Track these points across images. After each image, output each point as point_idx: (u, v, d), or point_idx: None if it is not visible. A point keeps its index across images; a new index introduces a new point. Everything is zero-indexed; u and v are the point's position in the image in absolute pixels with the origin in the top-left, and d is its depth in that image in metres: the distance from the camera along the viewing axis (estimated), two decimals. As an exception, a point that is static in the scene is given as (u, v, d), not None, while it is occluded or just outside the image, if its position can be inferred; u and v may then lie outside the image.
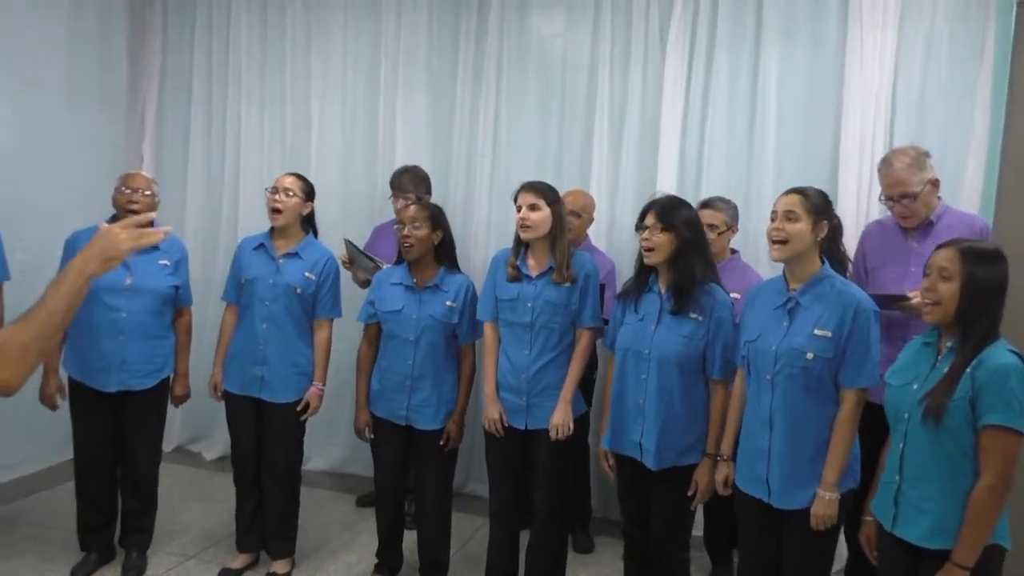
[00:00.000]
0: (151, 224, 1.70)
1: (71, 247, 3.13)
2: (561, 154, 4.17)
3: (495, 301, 2.99)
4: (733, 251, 3.46)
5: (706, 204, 3.36)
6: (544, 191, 2.88)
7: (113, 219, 3.17)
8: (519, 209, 2.87)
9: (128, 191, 3.13)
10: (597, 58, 4.08)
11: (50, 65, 4.25)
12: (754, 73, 3.85)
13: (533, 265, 2.93)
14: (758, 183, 3.81)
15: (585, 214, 3.66)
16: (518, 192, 2.91)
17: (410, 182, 3.86)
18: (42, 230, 3.67)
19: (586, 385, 3.22)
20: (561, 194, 3.53)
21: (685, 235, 2.61)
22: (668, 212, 2.62)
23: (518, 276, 2.93)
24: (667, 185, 3.89)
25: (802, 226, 2.37)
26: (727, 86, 3.89)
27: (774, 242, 2.41)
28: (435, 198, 4.11)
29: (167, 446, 4.68)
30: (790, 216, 2.37)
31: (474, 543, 3.62)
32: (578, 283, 2.89)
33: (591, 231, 3.84)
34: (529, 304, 2.90)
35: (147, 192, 3.17)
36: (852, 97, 3.66)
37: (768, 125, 3.81)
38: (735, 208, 3.45)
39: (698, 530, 3.33)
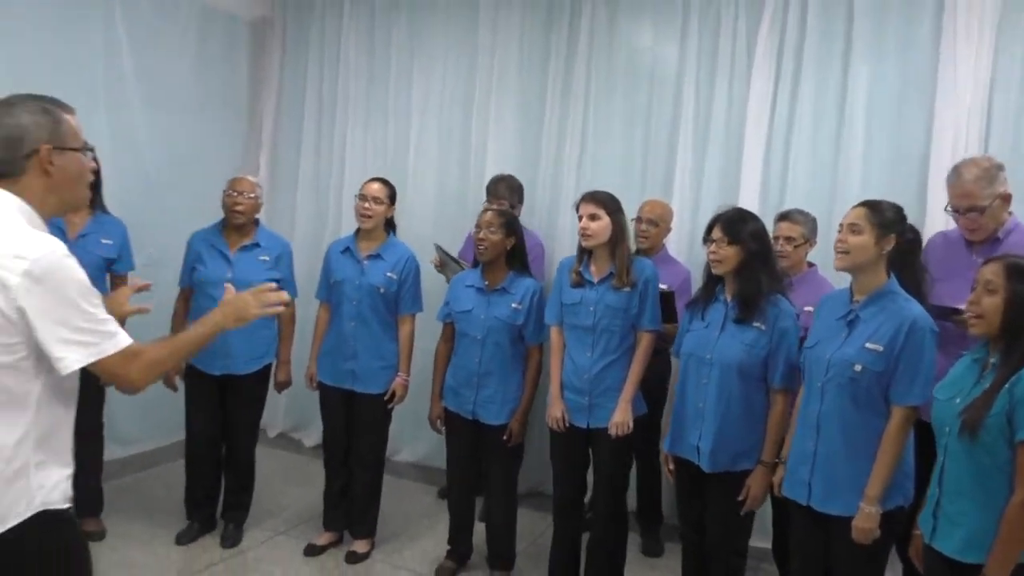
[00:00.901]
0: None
1: (191, 246, 3.51)
2: (645, 166, 4.29)
3: (560, 306, 3.14)
4: (810, 264, 3.46)
5: (784, 216, 3.39)
6: (604, 201, 3.02)
7: (222, 222, 3.53)
8: (580, 218, 3.02)
9: (234, 194, 3.48)
10: (683, 73, 4.17)
11: (181, 82, 4.74)
12: (842, 88, 3.86)
13: (595, 271, 3.07)
14: (843, 198, 3.77)
15: (663, 223, 3.75)
16: (579, 202, 3.06)
17: (505, 190, 4.06)
18: (170, 229, 4.05)
19: (652, 390, 3.31)
20: (640, 204, 3.68)
21: (751, 247, 2.68)
22: (734, 225, 2.71)
23: (581, 282, 3.08)
24: (750, 198, 3.95)
25: (865, 239, 2.41)
26: (814, 100, 3.91)
27: (837, 252, 2.46)
28: (523, 209, 4.32)
29: (271, 432, 5.13)
30: (854, 228, 2.42)
31: (543, 539, 3.76)
32: (637, 288, 3.01)
33: (671, 240, 3.94)
34: (591, 308, 3.03)
35: (251, 195, 3.51)
36: (945, 112, 3.61)
37: (855, 140, 3.80)
38: (814, 221, 3.45)
39: (766, 541, 3.37)
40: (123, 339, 1.66)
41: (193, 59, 4.80)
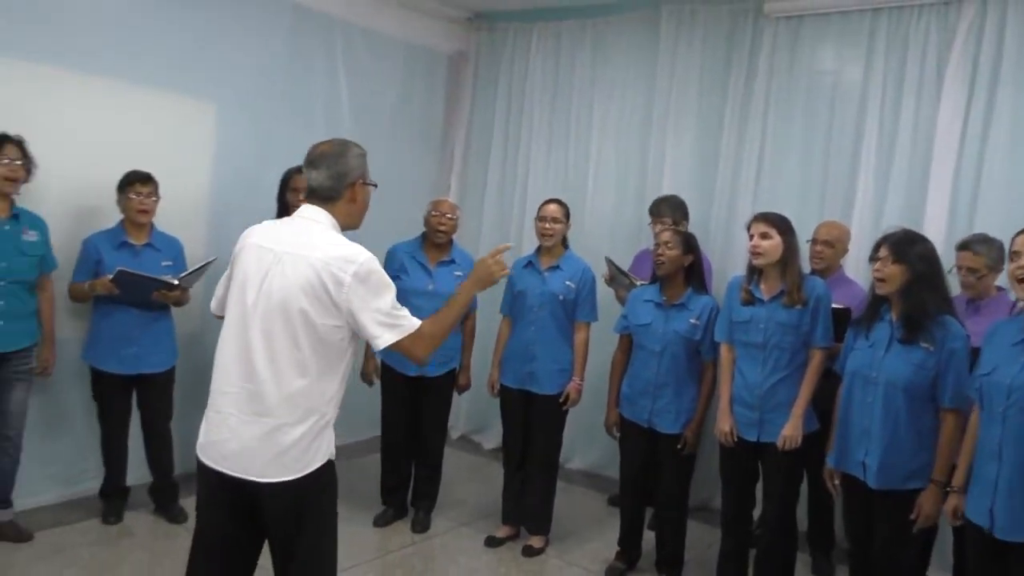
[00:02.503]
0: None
1: (394, 256, 3.94)
2: (824, 188, 4.30)
3: (730, 323, 3.26)
4: (999, 289, 3.37)
5: (964, 246, 3.32)
6: (775, 221, 3.12)
7: (423, 237, 3.92)
8: (751, 237, 3.13)
9: (437, 215, 3.86)
10: (867, 93, 4.17)
11: (387, 110, 5.29)
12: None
13: (765, 289, 3.17)
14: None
15: (839, 245, 3.77)
16: (751, 222, 3.17)
17: (668, 209, 4.22)
18: (374, 243, 4.43)
19: (825, 408, 3.33)
20: (816, 225, 3.73)
21: (918, 268, 2.70)
22: (902, 245, 2.73)
23: (751, 300, 3.19)
24: (936, 221, 3.90)
25: None
26: (1011, 123, 3.80)
27: (1017, 280, 2.45)
28: (697, 228, 4.45)
29: (454, 434, 5.52)
30: None
31: (711, 552, 3.83)
32: (809, 306, 3.08)
33: (849, 262, 3.93)
34: (761, 326, 3.14)
35: (450, 216, 3.88)
36: None
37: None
38: (1000, 248, 3.33)
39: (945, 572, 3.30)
40: (416, 323, 2.12)
41: (398, 90, 5.35)
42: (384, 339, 2.06)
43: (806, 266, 3.64)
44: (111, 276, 3.44)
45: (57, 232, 3.67)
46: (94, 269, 3.59)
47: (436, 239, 3.87)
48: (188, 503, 3.05)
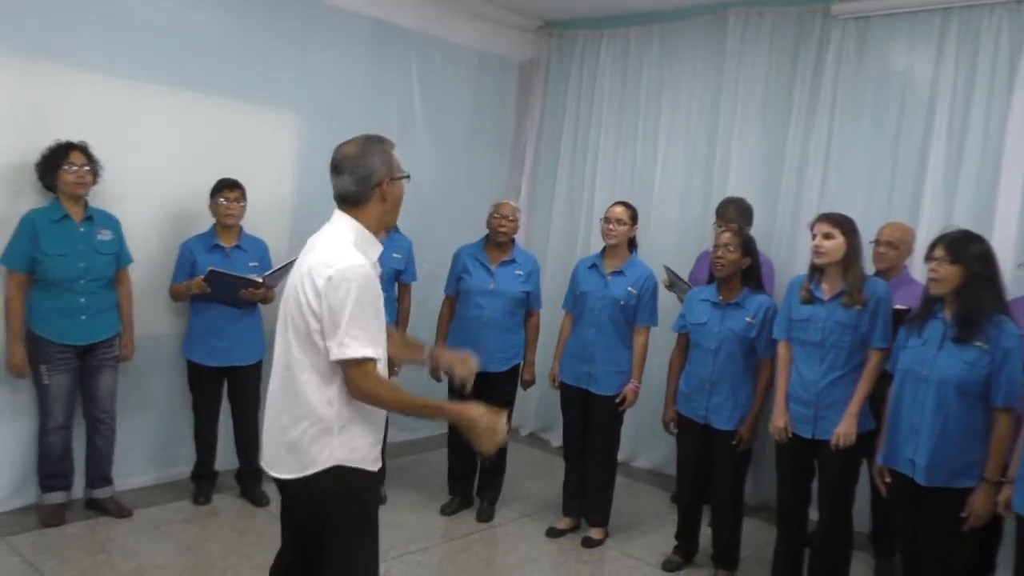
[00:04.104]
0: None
1: (458, 258, 4.14)
2: (892, 188, 4.28)
3: (788, 321, 3.32)
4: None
5: None
6: (839, 221, 3.18)
7: (485, 239, 4.10)
8: (814, 237, 3.19)
9: (499, 217, 4.04)
10: (937, 93, 4.14)
11: (459, 117, 5.51)
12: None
13: (826, 289, 3.23)
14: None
15: (903, 246, 3.76)
16: (814, 221, 3.23)
17: (734, 212, 4.28)
18: (443, 245, 4.64)
19: (881, 407, 3.36)
20: (880, 225, 3.74)
21: (974, 268, 2.73)
22: (957, 245, 2.76)
23: (811, 299, 3.25)
24: (1008, 223, 3.86)
25: None
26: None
27: None
28: (762, 228, 4.51)
29: (523, 431, 5.69)
30: None
31: (769, 550, 3.87)
32: (868, 306, 3.12)
33: (914, 262, 3.91)
34: (819, 324, 3.19)
35: (511, 218, 4.05)
36: None
37: None
38: None
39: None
40: (368, 352, 1.99)
41: (470, 98, 5.56)
42: (331, 353, 2.01)
43: (870, 267, 3.67)
44: (203, 276, 3.74)
45: (155, 236, 4.04)
46: (190, 270, 3.91)
47: (497, 239, 4.04)
48: (270, 488, 3.30)
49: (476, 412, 2.13)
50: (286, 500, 2.22)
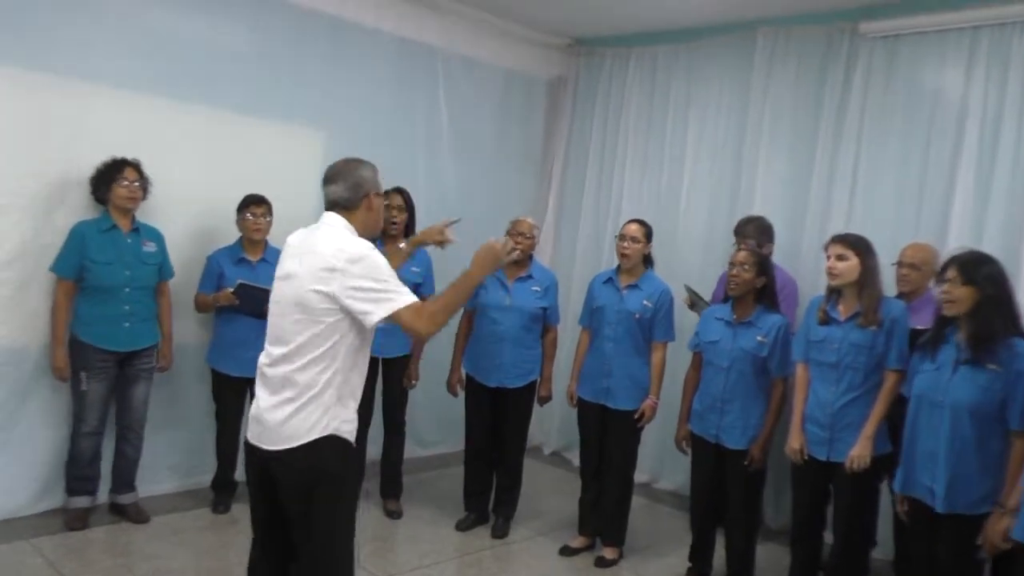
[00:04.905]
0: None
1: None
2: (919, 210, 4.23)
3: (806, 342, 3.31)
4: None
5: None
6: (853, 242, 3.17)
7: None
8: (828, 259, 3.18)
9: (515, 234, 4.07)
10: (966, 113, 4.10)
11: (486, 135, 5.59)
12: None
13: (842, 310, 3.22)
14: None
15: (925, 267, 3.70)
16: (828, 243, 3.23)
17: (754, 230, 4.25)
18: (468, 262, 4.72)
19: (899, 430, 3.32)
20: (903, 246, 3.71)
21: (987, 290, 2.70)
22: (970, 267, 2.74)
23: (827, 320, 3.24)
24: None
25: None
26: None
27: None
28: (788, 248, 4.49)
29: (546, 450, 5.71)
30: None
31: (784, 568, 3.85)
32: (884, 327, 3.10)
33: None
34: (835, 345, 3.18)
35: (528, 235, 4.09)
36: None
37: None
38: None
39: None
40: (411, 298, 2.29)
41: (497, 116, 5.64)
42: (375, 314, 2.24)
43: (893, 289, 3.64)
44: (232, 288, 3.86)
45: (184, 249, 4.16)
46: (217, 282, 4.03)
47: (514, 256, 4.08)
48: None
49: (479, 251, 2.52)
50: (275, 474, 2.34)
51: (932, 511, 2.78)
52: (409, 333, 2.39)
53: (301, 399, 2.28)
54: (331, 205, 2.43)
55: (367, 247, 2.30)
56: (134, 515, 3.89)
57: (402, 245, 3.18)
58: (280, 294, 2.38)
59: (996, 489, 2.68)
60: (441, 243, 3.04)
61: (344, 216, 2.40)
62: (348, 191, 2.40)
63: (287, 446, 2.29)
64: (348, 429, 2.36)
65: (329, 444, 2.30)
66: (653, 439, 4.90)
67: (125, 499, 3.92)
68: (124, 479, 3.92)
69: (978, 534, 2.68)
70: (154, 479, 4.17)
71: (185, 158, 4.14)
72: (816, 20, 4.62)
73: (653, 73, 5.44)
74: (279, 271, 2.43)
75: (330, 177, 2.43)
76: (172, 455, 4.28)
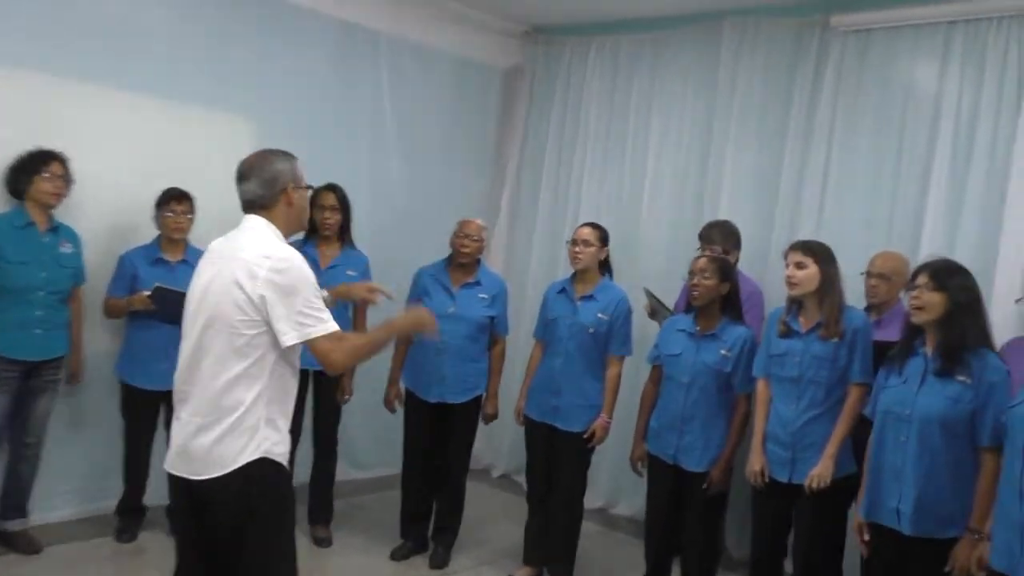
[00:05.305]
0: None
1: (417, 280, 4.18)
2: (892, 214, 4.31)
3: (768, 356, 3.35)
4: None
5: None
6: (814, 250, 3.23)
7: (448, 259, 4.14)
8: (787, 266, 3.23)
9: (462, 236, 4.08)
10: (940, 111, 4.19)
11: (435, 128, 5.56)
12: None
13: (803, 322, 3.27)
14: None
15: (896, 277, 3.74)
16: (787, 250, 3.27)
17: (719, 235, 4.27)
18: (413, 266, 4.40)
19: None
20: (874, 253, 3.76)
21: (959, 298, 2.75)
22: (942, 274, 2.79)
23: (788, 332, 3.28)
24: (1013, 253, 3.86)
25: None
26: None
27: None
28: (755, 254, 4.54)
29: (495, 473, 5.69)
30: None
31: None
32: (846, 338, 3.14)
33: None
34: (796, 359, 3.23)
35: (476, 237, 4.09)
36: None
37: None
38: None
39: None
40: (332, 326, 2.31)
41: (447, 108, 5.62)
42: (289, 336, 2.26)
43: (862, 300, 3.69)
44: (148, 292, 3.78)
45: (94, 248, 4.05)
46: (130, 284, 3.95)
47: (460, 260, 4.08)
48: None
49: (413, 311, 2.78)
50: (201, 504, 2.33)
51: (899, 536, 2.81)
52: (322, 363, 2.37)
53: (225, 422, 2.26)
54: (247, 206, 2.42)
55: (293, 257, 2.31)
56: (24, 545, 3.78)
57: (324, 295, 3.14)
58: (196, 304, 2.37)
59: (966, 509, 2.72)
60: (365, 301, 3.15)
61: (264, 216, 2.39)
62: (262, 187, 2.38)
63: (214, 474, 2.27)
64: (280, 451, 2.34)
65: (260, 469, 2.28)
66: (610, 460, 4.91)
67: (14, 526, 3.80)
68: (14, 503, 3.81)
69: (947, 559, 2.71)
70: (49, 504, 4.05)
71: (96, 147, 4.05)
72: (786, 12, 4.70)
73: (615, 65, 5.49)
74: (196, 279, 2.42)
75: (243, 174, 2.42)
76: (72, 478, 4.16)
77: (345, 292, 3.20)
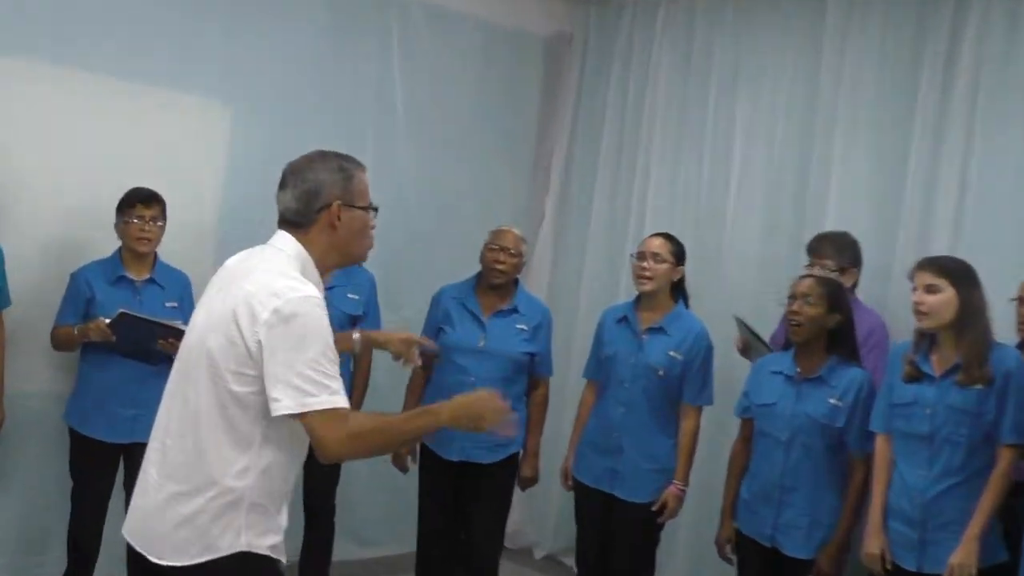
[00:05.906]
0: None
1: (438, 303, 4.19)
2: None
3: (889, 407, 3.32)
4: None
5: None
6: (950, 270, 3.19)
7: (477, 278, 4.14)
8: (915, 291, 3.20)
9: (495, 249, 4.09)
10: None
11: (458, 112, 5.60)
12: None
13: (936, 362, 3.23)
14: None
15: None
16: (914, 269, 3.25)
17: (831, 250, 4.23)
18: (432, 287, 4.51)
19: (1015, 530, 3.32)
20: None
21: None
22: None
23: (917, 375, 3.25)
24: None
25: None
26: None
27: None
28: (872, 275, 4.49)
29: (537, 554, 5.68)
30: None
31: None
32: (995, 385, 3.11)
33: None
34: (927, 411, 3.19)
35: (513, 251, 4.09)
36: None
37: None
38: None
39: None
40: (339, 400, 2.18)
41: (474, 87, 5.66)
42: (282, 405, 2.13)
43: (1011, 333, 3.64)
44: (110, 320, 3.79)
45: (38, 264, 4.13)
46: (84, 309, 3.99)
47: (492, 280, 4.09)
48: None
49: (471, 395, 2.47)
50: None
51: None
52: (314, 447, 2.21)
53: (204, 495, 2.19)
54: (281, 220, 2.38)
55: (309, 300, 2.19)
56: None
57: (356, 336, 3.17)
58: (190, 340, 2.34)
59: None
60: (404, 359, 3.10)
61: (298, 237, 2.34)
62: (297, 200, 2.33)
63: (180, 562, 2.20)
64: (268, 543, 2.26)
65: (241, 567, 2.21)
66: (684, 540, 4.88)
67: None
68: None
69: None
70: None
71: (45, 138, 4.14)
72: (910, -39, 4.68)
73: (690, 33, 5.50)
74: (199, 306, 2.39)
75: (284, 179, 2.38)
76: (3, 552, 4.19)
77: (384, 340, 3.17)
